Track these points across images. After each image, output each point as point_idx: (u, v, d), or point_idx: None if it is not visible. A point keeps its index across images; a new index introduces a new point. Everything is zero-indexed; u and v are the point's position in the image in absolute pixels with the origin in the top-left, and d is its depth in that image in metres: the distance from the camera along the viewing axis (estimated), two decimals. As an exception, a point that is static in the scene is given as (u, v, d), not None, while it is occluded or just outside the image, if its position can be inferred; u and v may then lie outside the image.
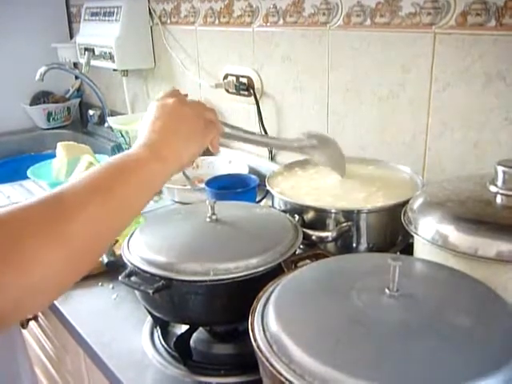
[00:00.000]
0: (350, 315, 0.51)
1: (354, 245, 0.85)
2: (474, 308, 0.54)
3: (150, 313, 0.78)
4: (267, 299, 0.57)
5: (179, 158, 0.63)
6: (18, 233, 0.46)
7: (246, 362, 0.70)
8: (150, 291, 0.64)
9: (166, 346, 0.77)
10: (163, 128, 0.63)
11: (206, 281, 0.65)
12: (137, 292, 0.73)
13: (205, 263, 0.66)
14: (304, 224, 0.83)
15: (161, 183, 0.62)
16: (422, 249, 0.71)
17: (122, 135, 1.65)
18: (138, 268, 0.68)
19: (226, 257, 0.67)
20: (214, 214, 0.75)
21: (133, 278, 0.70)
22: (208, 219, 0.75)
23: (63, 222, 0.49)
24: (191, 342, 0.78)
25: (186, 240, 0.72)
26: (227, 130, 0.77)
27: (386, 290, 0.53)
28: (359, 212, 0.84)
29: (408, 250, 0.80)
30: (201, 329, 0.79)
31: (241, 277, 0.65)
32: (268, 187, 0.92)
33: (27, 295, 0.46)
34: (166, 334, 0.79)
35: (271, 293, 0.58)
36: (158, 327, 0.80)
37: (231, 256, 0.67)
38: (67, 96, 2.22)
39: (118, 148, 1.72)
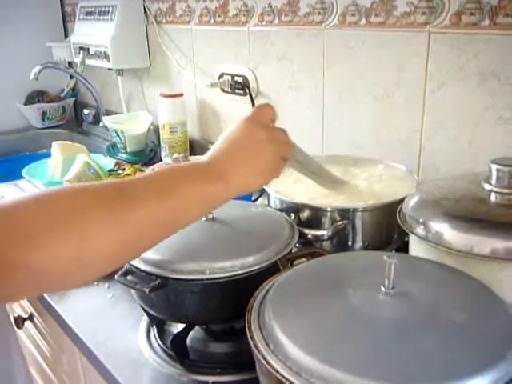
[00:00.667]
0: (346, 313, 0.52)
1: (350, 243, 0.86)
2: (470, 305, 0.54)
3: (146, 312, 0.78)
4: (264, 297, 0.57)
5: (241, 188, 0.62)
6: (83, 207, 0.49)
7: (243, 360, 0.70)
8: (147, 290, 0.65)
9: (162, 344, 0.77)
10: (240, 156, 0.61)
11: (202, 279, 0.65)
12: (133, 291, 0.73)
13: (201, 262, 0.66)
14: (300, 222, 0.84)
15: (215, 205, 0.61)
16: (418, 247, 0.72)
17: (118, 134, 1.65)
18: (134, 267, 0.68)
19: (222, 255, 0.67)
20: (210, 212, 0.75)
21: (129, 277, 0.70)
22: (204, 218, 0.75)
23: (125, 209, 0.51)
24: (187, 340, 0.78)
25: (182, 239, 0.71)
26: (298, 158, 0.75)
27: (382, 288, 0.54)
28: (355, 210, 0.84)
29: (403, 248, 0.80)
30: (197, 327, 0.79)
31: (237, 275, 0.65)
32: (264, 186, 0.92)
33: (79, 263, 0.48)
34: (162, 333, 0.79)
35: (268, 291, 0.58)
36: (154, 326, 0.80)
37: (227, 255, 0.67)
38: (62, 95, 2.22)
39: (113, 147, 1.72)
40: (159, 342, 0.78)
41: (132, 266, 0.69)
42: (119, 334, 0.81)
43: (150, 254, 0.68)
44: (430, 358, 0.46)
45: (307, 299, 0.55)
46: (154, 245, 0.56)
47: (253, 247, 0.69)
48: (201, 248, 0.70)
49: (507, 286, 0.63)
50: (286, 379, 0.46)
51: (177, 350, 0.72)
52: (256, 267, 0.66)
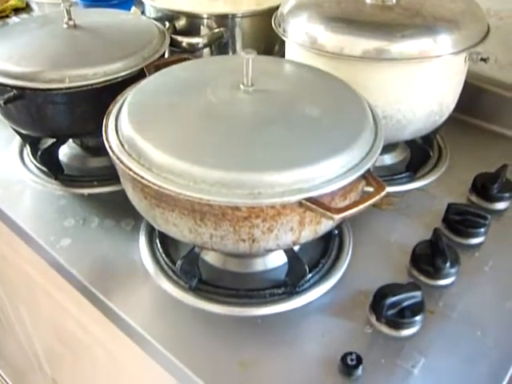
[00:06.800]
0: (201, 110, 0.51)
1: (230, 52, 0.83)
2: (328, 102, 0.54)
3: (15, 131, 0.73)
4: (123, 102, 0.55)
5: None
6: None
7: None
8: (1, 102, 0.60)
9: (36, 163, 0.74)
10: None
11: (61, 88, 0.60)
12: (-5, 108, 0.68)
13: (60, 70, 0.61)
14: (175, 31, 0.79)
15: None
16: (292, 52, 0.70)
17: None
18: (-12, 80, 0.63)
19: (84, 63, 0.62)
20: (70, 19, 0.68)
21: (-15, 92, 0.65)
22: (65, 25, 0.68)
23: None
24: (64, 158, 0.76)
25: (39, 48, 0.65)
26: None
27: (241, 86, 0.53)
28: (233, 17, 0.79)
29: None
30: (73, 144, 0.77)
31: (99, 83, 0.61)
32: (137, -7, 0.84)
33: None
34: (36, 152, 0.76)
35: (128, 96, 0.56)
36: (26, 145, 0.77)
37: (89, 62, 0.63)
38: None
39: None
40: (33, 160, 0.75)
41: (-14, 78, 0.63)
42: (-10, 156, 0.78)
43: (3, 64, 0.62)
44: (281, 147, 0.47)
45: (165, 100, 0.53)
46: None
47: (118, 54, 0.64)
48: (60, 56, 0.64)
49: (374, 86, 0.64)
50: (138, 175, 0.46)
51: (48, 164, 0.70)
52: (120, 74, 0.63)
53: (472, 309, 0.54)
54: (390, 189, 0.69)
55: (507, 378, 0.48)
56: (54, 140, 0.71)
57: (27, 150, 0.77)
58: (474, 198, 0.68)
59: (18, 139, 0.79)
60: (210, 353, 0.51)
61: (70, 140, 0.77)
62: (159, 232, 0.61)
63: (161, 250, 0.59)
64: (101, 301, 0.57)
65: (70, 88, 0.61)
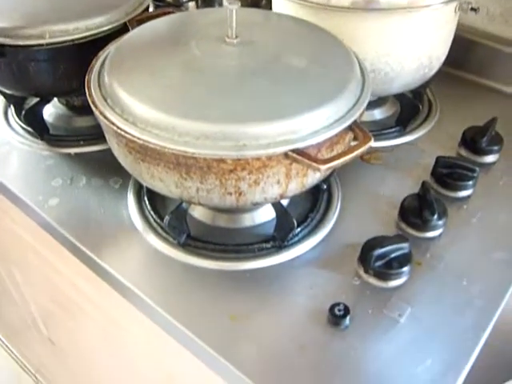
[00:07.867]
0: (185, 63, 0.50)
1: (216, 7, 0.81)
2: (314, 53, 0.53)
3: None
4: (106, 57, 0.54)
5: None
6: None
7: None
8: (-19, 58, 0.59)
9: (21, 123, 0.73)
10: None
11: (42, 45, 0.59)
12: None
13: (39, 26, 0.59)
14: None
15: None
16: (278, 4, 0.69)
17: None
18: (-34, 37, 0.61)
19: (64, 17, 0.60)
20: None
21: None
22: (43, -20, 0.66)
23: None
24: (50, 118, 0.75)
25: (17, 3, 0.63)
26: None
27: (226, 38, 0.52)
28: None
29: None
30: (60, 105, 0.76)
31: (81, 38, 0.60)
32: None
33: None
34: (21, 112, 0.75)
35: (111, 51, 0.54)
36: (11, 106, 0.75)
37: (70, 17, 0.61)
38: None
39: None
40: (17, 120, 0.74)
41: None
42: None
43: (-19, 21, 0.61)
44: (266, 99, 0.46)
45: (148, 54, 0.52)
46: None
47: (99, 8, 0.62)
48: (40, 11, 0.62)
49: (362, 38, 0.63)
50: (121, 129, 0.45)
51: (33, 124, 0.69)
52: (103, 29, 0.61)
53: (459, 260, 0.55)
54: (379, 143, 0.70)
55: (491, 325, 0.49)
56: (38, 99, 0.69)
57: (11, 110, 0.75)
58: (463, 152, 0.68)
59: (1, 100, 0.77)
60: (200, 307, 0.51)
61: (56, 100, 0.76)
62: (147, 189, 0.60)
63: (149, 207, 0.59)
64: (91, 259, 0.57)
65: (50, 44, 0.59)
